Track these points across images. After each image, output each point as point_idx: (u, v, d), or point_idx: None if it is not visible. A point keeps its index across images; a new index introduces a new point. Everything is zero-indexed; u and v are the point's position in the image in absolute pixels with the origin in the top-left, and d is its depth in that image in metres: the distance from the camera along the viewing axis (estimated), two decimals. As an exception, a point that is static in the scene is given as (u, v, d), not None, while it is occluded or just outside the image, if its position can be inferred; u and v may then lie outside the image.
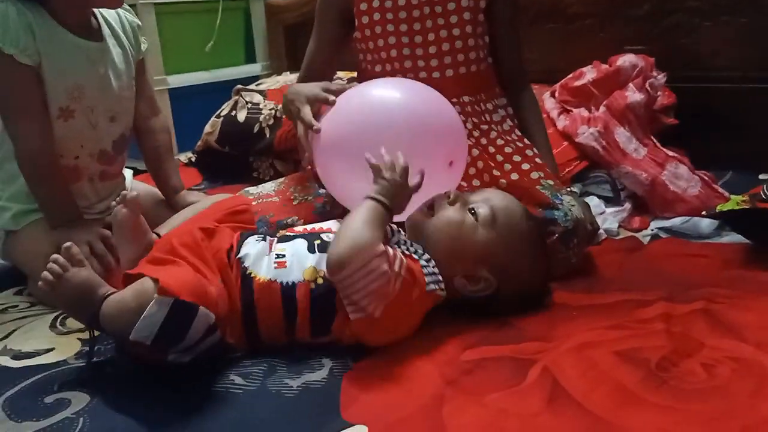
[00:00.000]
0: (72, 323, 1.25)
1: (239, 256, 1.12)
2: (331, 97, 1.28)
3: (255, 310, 1.08)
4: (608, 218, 1.62)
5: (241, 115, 2.26)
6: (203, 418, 0.93)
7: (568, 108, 1.93)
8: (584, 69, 1.96)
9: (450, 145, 1.25)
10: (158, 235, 1.20)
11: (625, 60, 1.89)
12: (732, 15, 1.90)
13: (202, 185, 2.21)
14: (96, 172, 1.51)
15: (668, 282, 1.28)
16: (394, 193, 1.10)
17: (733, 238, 1.48)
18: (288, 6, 2.80)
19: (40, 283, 1.05)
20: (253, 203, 1.46)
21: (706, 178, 1.70)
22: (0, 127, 1.40)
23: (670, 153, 1.76)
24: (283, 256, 1.11)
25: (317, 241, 1.14)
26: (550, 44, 2.16)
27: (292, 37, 2.83)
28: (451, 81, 1.46)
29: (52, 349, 1.16)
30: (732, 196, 1.55)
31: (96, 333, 1.07)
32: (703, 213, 1.55)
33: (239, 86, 2.38)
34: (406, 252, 1.10)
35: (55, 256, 1.05)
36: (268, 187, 1.53)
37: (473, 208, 1.15)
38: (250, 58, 2.98)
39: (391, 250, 1.04)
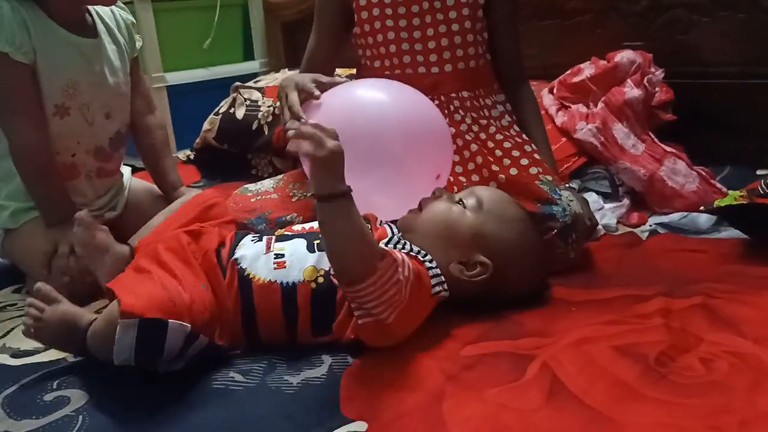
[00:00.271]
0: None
1: (235, 257, 1.11)
2: (317, 92, 1.26)
3: (255, 311, 1.08)
4: (607, 214, 1.63)
5: (240, 113, 2.26)
6: (203, 415, 0.93)
7: (567, 104, 1.93)
8: (582, 65, 1.96)
9: (439, 158, 1.23)
10: (130, 246, 1.18)
11: (623, 56, 1.89)
12: (730, 11, 1.90)
13: (201, 183, 2.21)
14: (93, 169, 1.51)
15: (667, 277, 1.28)
16: (338, 168, 0.97)
17: (731, 233, 1.48)
18: (286, 3, 2.80)
19: (22, 329, 1.07)
20: (252, 200, 1.47)
21: (704, 173, 1.70)
22: None
23: (668, 149, 1.76)
24: (283, 255, 1.11)
25: (316, 241, 1.13)
26: (548, 40, 2.16)
27: (290, 34, 2.82)
28: (450, 76, 1.46)
29: (50, 347, 1.16)
30: (730, 192, 1.54)
31: None
32: (701, 208, 1.55)
33: (237, 83, 2.38)
34: (411, 253, 1.09)
35: (30, 300, 1.06)
36: (267, 184, 1.53)
37: (460, 199, 1.18)
38: (249, 56, 2.98)
39: (398, 256, 1.03)
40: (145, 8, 2.53)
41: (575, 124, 1.82)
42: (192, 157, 2.39)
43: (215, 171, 2.27)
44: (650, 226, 1.60)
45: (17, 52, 1.31)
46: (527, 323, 1.14)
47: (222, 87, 2.46)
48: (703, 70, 1.96)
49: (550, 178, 1.39)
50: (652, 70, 1.88)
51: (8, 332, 1.23)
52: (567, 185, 1.50)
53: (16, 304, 1.36)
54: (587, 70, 1.93)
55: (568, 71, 1.98)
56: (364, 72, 1.55)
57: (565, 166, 1.77)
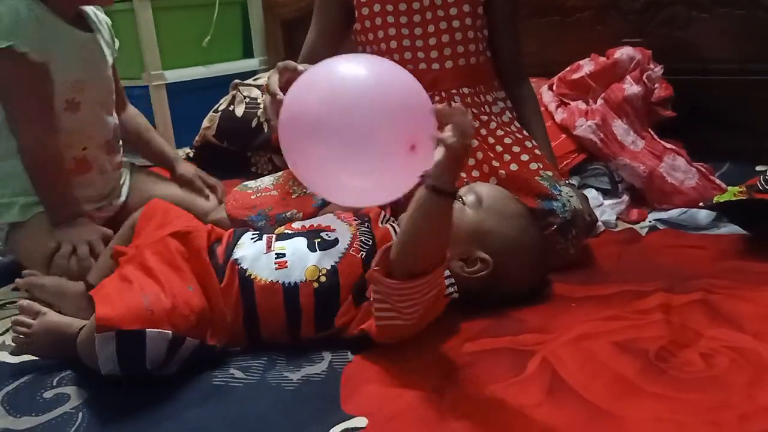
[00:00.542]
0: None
1: (235, 257, 1.11)
2: (301, 67, 1.23)
3: (257, 312, 1.08)
4: (606, 210, 1.63)
5: (239, 110, 2.26)
6: (203, 412, 0.93)
7: (566, 101, 1.93)
8: (582, 62, 1.96)
9: (411, 128, 1.05)
10: (89, 283, 1.18)
11: (623, 52, 1.88)
12: (729, 7, 1.90)
13: (201, 180, 2.21)
14: (104, 162, 1.54)
15: (666, 273, 1.28)
16: (461, 168, 0.95)
17: (730, 229, 1.48)
18: (285, 0, 2.79)
19: (14, 346, 1.08)
20: (252, 197, 1.47)
21: (703, 169, 1.70)
22: (1, 122, 1.40)
23: (668, 145, 1.76)
24: (284, 255, 1.11)
25: (317, 240, 1.13)
26: (547, 37, 2.16)
27: (289, 32, 2.82)
28: (451, 72, 1.46)
29: (45, 359, 1.16)
30: (729, 188, 1.55)
31: None
32: (701, 204, 1.55)
33: (237, 81, 2.38)
34: None
35: (16, 318, 1.08)
36: (267, 180, 1.53)
37: (459, 196, 1.17)
38: (248, 53, 2.97)
39: None
40: (144, 6, 2.53)
41: (575, 120, 1.82)
42: (191, 154, 2.39)
43: (215, 168, 2.24)
44: (650, 222, 1.60)
45: (33, 52, 1.32)
46: (527, 319, 1.14)
47: (221, 85, 2.46)
48: (703, 67, 1.96)
49: (550, 173, 1.39)
50: (652, 66, 1.88)
51: (8, 329, 1.23)
52: (567, 182, 1.50)
53: (15, 301, 1.35)
54: (586, 66, 1.93)
55: (568, 68, 1.98)
56: (363, 69, 1.54)
57: (565, 162, 1.77)
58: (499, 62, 1.55)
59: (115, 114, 1.58)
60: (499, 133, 1.45)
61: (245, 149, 2.22)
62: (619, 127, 1.78)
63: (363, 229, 1.16)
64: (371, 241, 1.13)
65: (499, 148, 1.43)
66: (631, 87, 1.81)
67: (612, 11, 2.07)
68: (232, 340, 1.08)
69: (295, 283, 1.08)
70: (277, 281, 1.08)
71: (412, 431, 0.87)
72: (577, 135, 1.80)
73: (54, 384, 1.03)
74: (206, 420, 0.91)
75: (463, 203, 1.17)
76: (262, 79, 2.41)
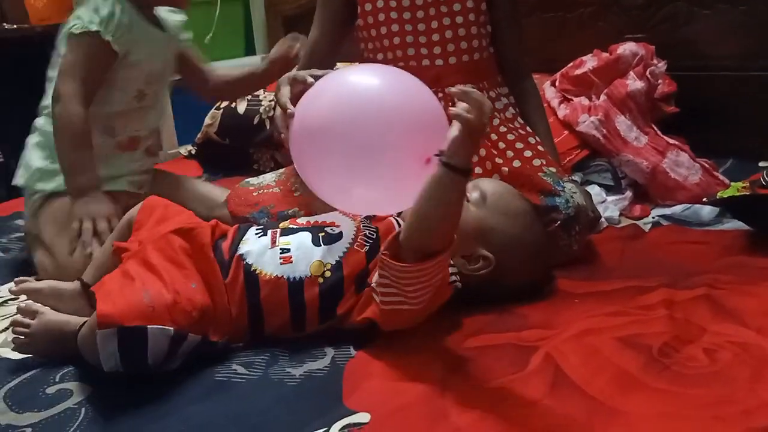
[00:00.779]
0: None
1: (240, 253, 1.11)
2: (310, 79, 1.22)
3: (261, 306, 1.08)
4: (609, 206, 1.62)
5: (241, 107, 2.26)
6: (205, 408, 0.93)
7: (569, 97, 1.92)
8: (584, 57, 1.95)
9: (427, 140, 1.09)
10: (84, 282, 1.18)
11: (626, 48, 1.88)
12: (731, 3, 1.89)
13: (203, 178, 2.20)
14: (150, 145, 1.69)
15: (669, 269, 1.28)
16: (476, 146, 0.96)
17: (733, 224, 1.48)
18: (287, -3, 2.79)
19: (14, 347, 1.09)
20: (254, 194, 1.47)
21: (706, 165, 1.70)
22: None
23: (671, 141, 1.75)
24: (288, 250, 1.11)
25: (321, 234, 1.13)
26: (550, 33, 2.15)
27: (291, 29, 2.77)
28: (454, 69, 1.46)
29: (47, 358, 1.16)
30: (732, 183, 1.54)
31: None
32: (704, 200, 1.55)
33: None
34: None
35: (14, 319, 1.09)
36: (269, 177, 1.53)
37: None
38: (250, 50, 2.97)
39: None
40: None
41: (578, 116, 1.82)
42: (193, 152, 2.39)
43: (217, 166, 2.27)
44: (653, 218, 1.60)
45: (116, 43, 1.47)
46: (530, 315, 1.13)
47: (224, 82, 2.46)
48: (705, 63, 1.95)
49: (553, 169, 1.39)
50: (655, 62, 1.87)
51: (10, 326, 1.23)
52: (570, 178, 1.50)
53: (17, 298, 1.36)
54: (589, 62, 1.92)
55: (571, 64, 1.97)
56: (366, 65, 1.54)
57: (568, 158, 1.77)
58: (501, 58, 1.55)
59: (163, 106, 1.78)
60: (502, 129, 1.45)
61: (247, 146, 2.21)
62: (622, 123, 1.77)
63: (366, 223, 1.16)
64: (375, 235, 1.13)
65: (502, 145, 1.42)
66: (634, 83, 1.81)
67: (614, 7, 2.06)
68: (234, 336, 1.08)
69: (300, 278, 1.08)
70: (282, 276, 1.08)
71: (414, 426, 0.87)
72: (580, 131, 1.80)
73: (56, 380, 1.03)
74: (209, 415, 0.91)
75: (467, 200, 1.17)
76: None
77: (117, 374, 0.98)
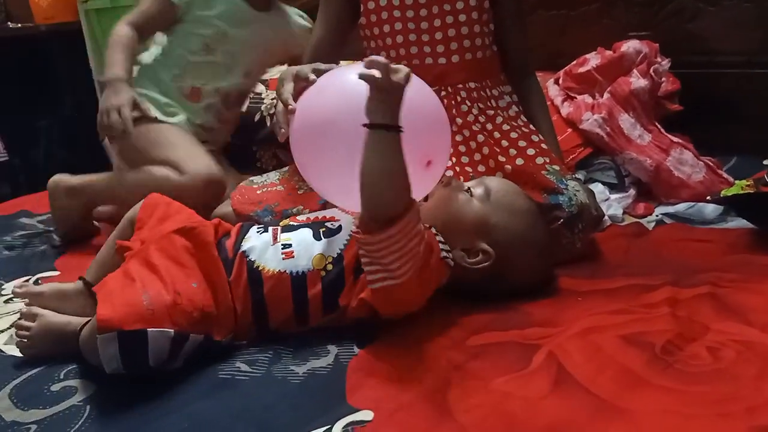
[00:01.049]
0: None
1: (243, 250, 1.11)
2: (312, 76, 1.22)
3: (265, 302, 1.08)
4: (613, 204, 1.62)
5: (243, 105, 2.25)
6: (209, 405, 0.93)
7: (572, 95, 1.92)
8: (588, 55, 1.95)
9: (428, 143, 1.13)
10: (86, 281, 1.19)
11: (630, 46, 1.88)
12: (736, -1, 1.90)
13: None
14: (215, 107, 1.81)
15: (673, 267, 1.27)
16: (399, 103, 0.98)
17: (737, 222, 1.48)
18: (290, -5, 2.78)
19: (18, 349, 1.10)
20: (258, 192, 1.47)
21: (710, 163, 1.70)
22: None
23: (675, 139, 1.75)
24: (290, 245, 1.11)
25: (322, 229, 1.14)
26: (553, 30, 2.15)
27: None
28: (457, 67, 1.46)
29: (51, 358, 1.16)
30: (737, 181, 1.54)
31: None
32: (708, 198, 1.55)
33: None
34: None
35: (16, 323, 1.11)
36: (273, 176, 1.53)
37: (468, 188, 1.18)
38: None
39: None
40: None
41: (581, 114, 1.82)
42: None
43: (219, 164, 2.26)
44: (657, 216, 1.59)
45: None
46: (534, 313, 1.13)
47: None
48: (710, 60, 1.95)
49: (557, 167, 1.39)
50: (659, 60, 1.87)
51: (12, 324, 1.24)
52: (573, 176, 1.50)
53: (23, 295, 1.36)
54: (593, 60, 1.92)
55: (574, 62, 1.97)
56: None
57: (571, 156, 1.77)
58: (505, 56, 1.55)
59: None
60: (506, 127, 1.45)
61: (250, 144, 2.21)
62: (625, 120, 1.77)
63: None
64: None
65: (505, 143, 1.42)
66: (638, 80, 1.81)
67: (618, 4, 2.06)
68: (239, 333, 1.09)
69: (303, 272, 1.08)
70: (285, 271, 1.09)
71: (417, 424, 0.87)
72: (583, 129, 1.80)
73: (61, 377, 1.03)
74: (213, 412, 0.92)
75: (471, 194, 1.17)
76: (267, 74, 2.40)
77: (120, 374, 0.98)
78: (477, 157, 1.42)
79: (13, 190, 2.70)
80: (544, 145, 1.44)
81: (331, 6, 1.54)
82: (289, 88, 1.26)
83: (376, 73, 0.96)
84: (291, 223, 1.20)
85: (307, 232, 1.14)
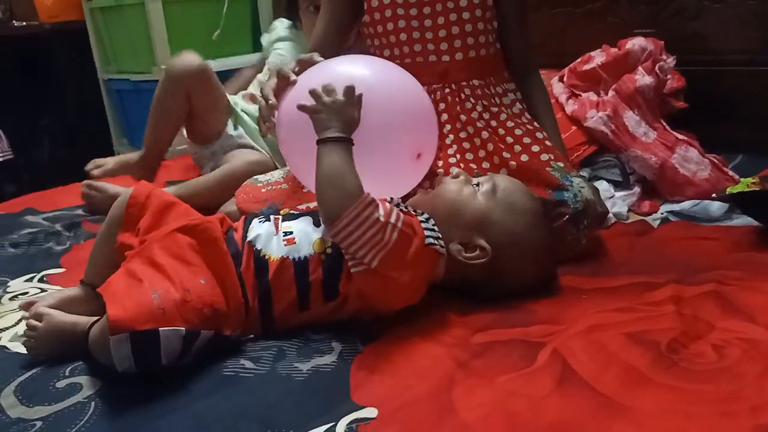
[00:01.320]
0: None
1: (249, 239, 1.12)
2: (292, 76, 1.24)
3: (270, 289, 1.09)
4: (617, 202, 1.62)
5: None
6: (213, 402, 0.93)
7: (577, 92, 1.92)
8: (593, 53, 1.95)
9: (419, 137, 1.15)
10: (85, 282, 1.19)
11: (635, 43, 1.87)
12: (741, -4, 1.89)
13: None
14: None
15: (678, 265, 1.27)
16: (341, 117, 1.10)
17: (743, 220, 1.47)
18: (294, -7, 2.79)
19: (26, 350, 1.10)
20: (263, 191, 1.47)
21: (716, 161, 1.69)
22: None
23: (680, 136, 1.75)
24: (291, 233, 1.13)
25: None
26: (558, 28, 2.15)
27: (298, 25, 2.81)
28: (461, 64, 1.45)
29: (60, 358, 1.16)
30: (742, 179, 1.53)
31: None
32: (713, 196, 1.54)
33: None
34: (404, 210, 1.11)
35: (25, 323, 1.10)
36: (277, 174, 1.54)
37: (477, 183, 1.19)
38: (257, 46, 2.96)
39: (387, 205, 1.06)
40: (154, 0, 2.54)
41: (586, 112, 1.81)
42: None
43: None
44: (662, 214, 1.59)
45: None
46: (538, 311, 1.13)
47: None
48: (715, 57, 1.94)
49: (561, 164, 1.39)
50: (664, 57, 1.87)
51: (20, 320, 1.24)
52: (577, 173, 1.50)
53: (27, 293, 1.37)
54: (598, 57, 1.92)
55: (579, 59, 1.97)
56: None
57: (576, 154, 1.76)
58: (509, 54, 1.55)
59: None
60: (510, 124, 1.45)
61: (254, 142, 2.21)
62: (630, 118, 1.77)
63: None
64: None
65: (509, 140, 1.42)
66: (642, 78, 1.80)
67: (622, 1, 2.06)
68: (246, 326, 1.09)
69: (305, 257, 1.10)
70: (288, 256, 1.10)
71: (422, 421, 0.87)
72: (588, 126, 1.79)
73: (66, 374, 1.03)
74: (217, 410, 0.92)
75: (477, 188, 1.18)
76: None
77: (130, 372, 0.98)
78: (481, 153, 1.42)
79: (17, 188, 2.71)
80: (548, 142, 1.44)
81: (334, 4, 1.54)
82: (271, 83, 1.27)
83: (311, 101, 1.11)
84: (291, 212, 1.21)
85: (307, 221, 1.15)
